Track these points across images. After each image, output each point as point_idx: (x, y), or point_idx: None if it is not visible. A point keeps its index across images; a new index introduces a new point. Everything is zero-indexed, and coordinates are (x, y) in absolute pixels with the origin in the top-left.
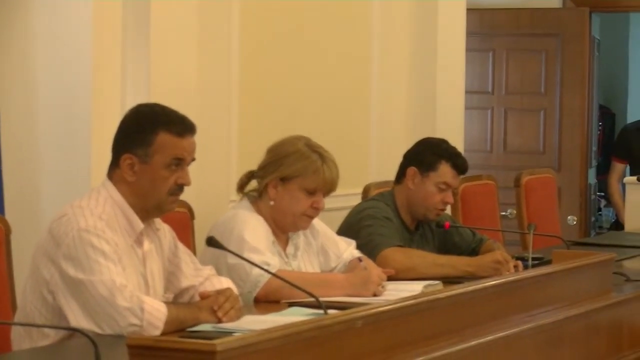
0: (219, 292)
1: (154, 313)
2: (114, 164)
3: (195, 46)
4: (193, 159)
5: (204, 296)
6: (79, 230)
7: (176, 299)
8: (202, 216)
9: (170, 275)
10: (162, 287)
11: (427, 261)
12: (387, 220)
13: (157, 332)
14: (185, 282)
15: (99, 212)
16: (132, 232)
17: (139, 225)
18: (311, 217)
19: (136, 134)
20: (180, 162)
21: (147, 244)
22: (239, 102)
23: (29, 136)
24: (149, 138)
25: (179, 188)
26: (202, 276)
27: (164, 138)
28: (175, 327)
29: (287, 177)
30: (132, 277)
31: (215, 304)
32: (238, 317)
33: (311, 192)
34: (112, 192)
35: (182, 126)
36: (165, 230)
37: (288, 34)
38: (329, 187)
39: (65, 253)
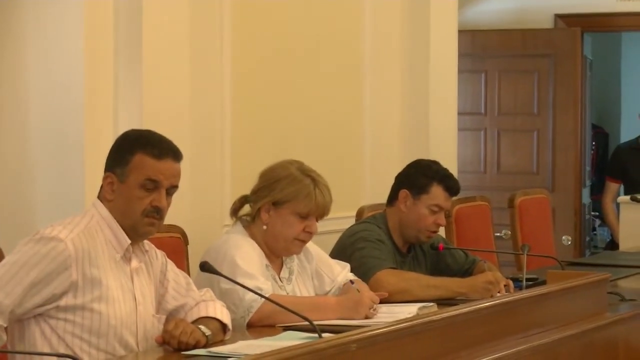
0: (166, 331)
1: None
2: (102, 185)
3: (187, 71)
4: (175, 187)
5: (158, 341)
6: (37, 234)
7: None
8: (196, 241)
9: (161, 297)
10: (154, 307)
11: (421, 283)
12: (379, 242)
13: None
14: (172, 303)
15: (80, 225)
16: (119, 247)
17: (126, 239)
18: (304, 242)
19: (117, 154)
20: (156, 184)
21: (135, 262)
22: (231, 127)
23: (22, 160)
24: (126, 158)
25: (155, 210)
26: (192, 298)
27: (140, 158)
28: None
29: (279, 201)
30: (118, 290)
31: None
32: (195, 339)
33: (304, 217)
34: (101, 209)
35: (160, 149)
36: (157, 254)
37: (280, 59)
38: (322, 212)
39: None
